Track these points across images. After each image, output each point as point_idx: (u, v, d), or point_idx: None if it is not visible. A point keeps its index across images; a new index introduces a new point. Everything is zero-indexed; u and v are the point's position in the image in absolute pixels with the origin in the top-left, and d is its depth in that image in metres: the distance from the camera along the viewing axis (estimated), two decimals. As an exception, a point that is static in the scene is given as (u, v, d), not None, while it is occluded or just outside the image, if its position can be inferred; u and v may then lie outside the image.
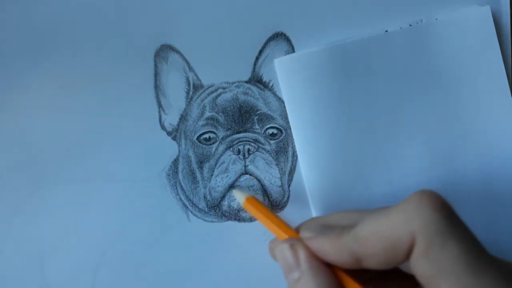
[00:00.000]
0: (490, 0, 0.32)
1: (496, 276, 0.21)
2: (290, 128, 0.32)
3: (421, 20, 0.32)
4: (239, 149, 0.32)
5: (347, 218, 0.26)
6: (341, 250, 0.23)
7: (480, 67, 0.32)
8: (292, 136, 0.32)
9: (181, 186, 0.32)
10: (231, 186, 0.32)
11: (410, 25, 0.32)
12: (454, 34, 0.32)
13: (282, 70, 0.32)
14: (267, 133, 0.32)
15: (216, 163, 0.32)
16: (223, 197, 0.32)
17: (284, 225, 0.28)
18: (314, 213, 0.32)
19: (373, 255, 0.22)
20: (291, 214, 0.33)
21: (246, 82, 0.32)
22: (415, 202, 0.22)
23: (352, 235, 0.23)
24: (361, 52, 0.32)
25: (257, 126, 0.32)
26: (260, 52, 0.32)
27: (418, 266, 0.22)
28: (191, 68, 0.32)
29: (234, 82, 0.32)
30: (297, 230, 0.28)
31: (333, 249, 0.24)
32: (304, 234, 0.26)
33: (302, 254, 0.25)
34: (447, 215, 0.21)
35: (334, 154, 0.32)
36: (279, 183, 0.32)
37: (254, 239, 0.33)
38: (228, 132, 0.32)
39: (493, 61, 0.32)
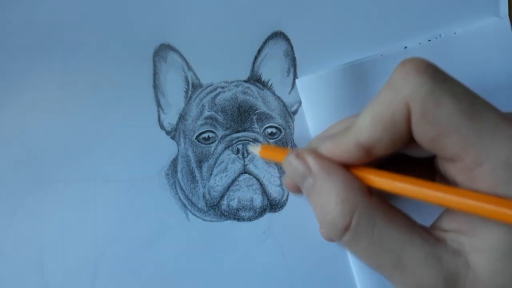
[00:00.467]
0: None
1: (495, 117, 0.21)
2: (289, 128, 0.32)
3: (440, 35, 0.32)
4: (238, 149, 0.32)
5: (345, 123, 0.26)
6: (349, 147, 0.23)
7: (500, 79, 0.32)
8: (292, 136, 0.32)
9: (180, 185, 0.32)
10: (230, 186, 0.32)
11: (429, 40, 0.32)
12: (473, 48, 0.32)
13: (304, 90, 0.32)
14: (266, 132, 0.32)
15: (215, 163, 0.32)
16: (222, 197, 0.32)
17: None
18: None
19: (379, 138, 0.22)
20: (291, 213, 0.33)
21: (245, 81, 0.32)
22: (400, 72, 0.22)
23: (354, 127, 0.23)
24: (381, 69, 0.32)
25: (256, 125, 0.32)
26: (259, 51, 0.32)
27: (420, 132, 0.21)
28: (190, 68, 0.32)
29: (233, 82, 0.32)
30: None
31: (341, 148, 0.23)
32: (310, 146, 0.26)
33: (310, 159, 0.24)
34: (434, 74, 0.21)
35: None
36: (278, 182, 0.32)
37: (254, 238, 0.33)
38: (227, 132, 0.32)
39: None
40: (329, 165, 0.24)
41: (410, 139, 0.22)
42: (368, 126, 0.22)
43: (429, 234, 0.23)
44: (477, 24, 0.32)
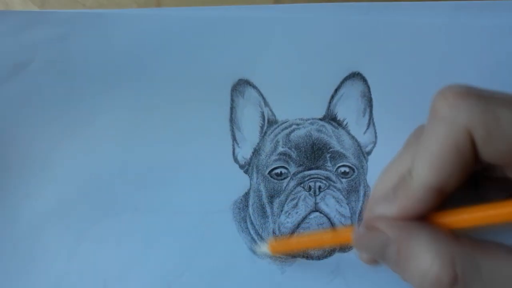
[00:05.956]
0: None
1: None
2: (363, 168, 0.33)
3: None
4: (310, 186, 0.32)
5: (391, 176, 0.25)
6: (420, 194, 0.22)
7: None
8: (364, 176, 0.32)
9: (251, 220, 0.32)
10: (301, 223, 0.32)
11: None
12: None
13: None
14: (339, 171, 0.32)
15: (286, 199, 0.32)
16: (292, 234, 0.32)
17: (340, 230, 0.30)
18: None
19: (450, 174, 0.21)
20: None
21: (320, 119, 0.33)
22: (444, 103, 0.21)
23: (418, 173, 0.22)
24: None
25: (329, 164, 0.32)
26: (336, 90, 0.33)
27: (490, 152, 0.21)
28: (266, 104, 0.33)
29: (308, 119, 0.33)
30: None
31: (412, 199, 0.22)
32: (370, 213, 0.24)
33: (383, 225, 0.23)
34: (479, 93, 0.21)
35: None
36: (349, 222, 0.32)
37: (321, 277, 0.32)
38: (300, 168, 0.32)
39: None
40: (406, 224, 0.22)
41: (475, 163, 0.22)
42: (436, 166, 0.21)
43: None
44: None
